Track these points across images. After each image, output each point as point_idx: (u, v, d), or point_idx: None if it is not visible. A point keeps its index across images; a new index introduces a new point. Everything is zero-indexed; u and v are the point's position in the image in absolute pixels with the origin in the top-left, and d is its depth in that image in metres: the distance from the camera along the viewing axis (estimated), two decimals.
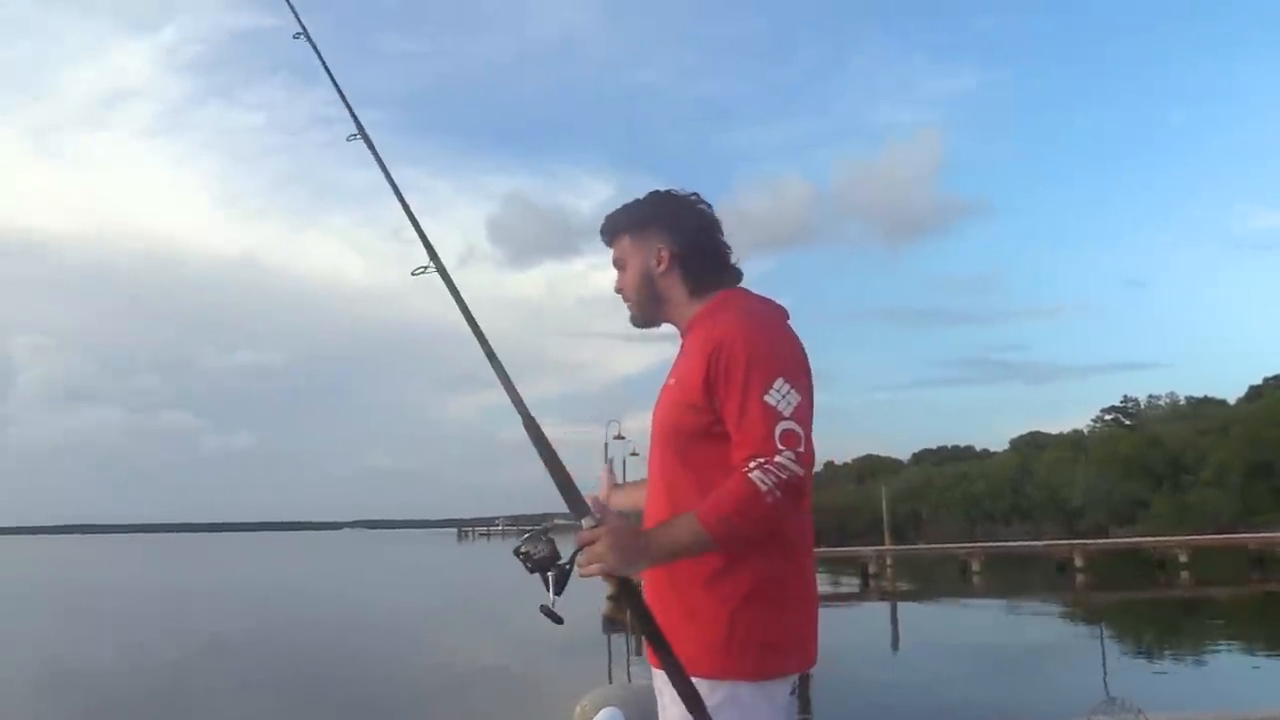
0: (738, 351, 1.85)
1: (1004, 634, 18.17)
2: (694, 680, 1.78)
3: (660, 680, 1.93)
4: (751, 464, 1.73)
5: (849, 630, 20.36)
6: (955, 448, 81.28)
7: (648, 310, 2.10)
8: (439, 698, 12.27)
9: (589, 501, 1.80)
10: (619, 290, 2.13)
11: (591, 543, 1.72)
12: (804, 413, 1.81)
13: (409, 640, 18.54)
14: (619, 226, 2.12)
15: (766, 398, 1.79)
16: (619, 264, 2.12)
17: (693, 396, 1.90)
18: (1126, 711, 4.83)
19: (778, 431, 1.76)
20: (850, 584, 30.07)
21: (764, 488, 1.70)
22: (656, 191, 2.12)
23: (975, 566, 30.16)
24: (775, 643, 1.86)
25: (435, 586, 37.60)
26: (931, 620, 21.76)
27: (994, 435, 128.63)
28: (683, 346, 2.06)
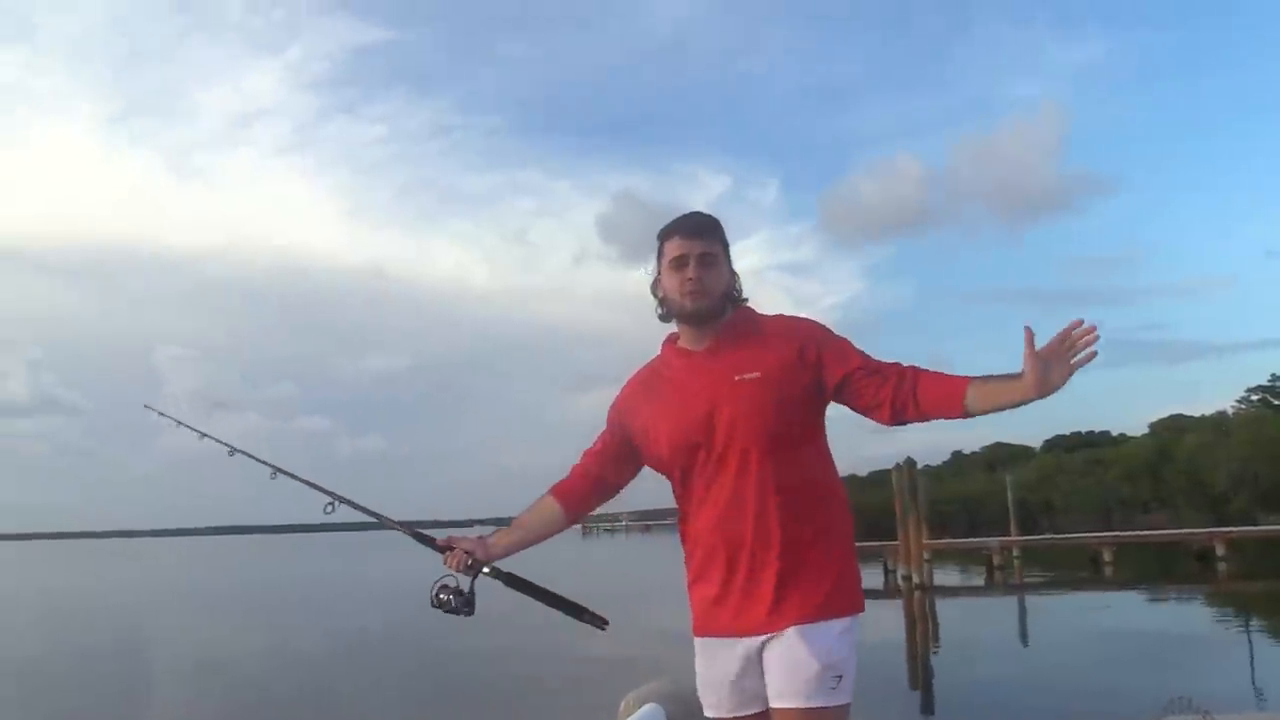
0: (823, 332, 2.23)
1: (1138, 626, 17.41)
2: (828, 622, 2.06)
3: (793, 637, 2.05)
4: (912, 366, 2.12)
5: (975, 623, 19.92)
6: (1090, 433, 77.76)
7: (719, 309, 2.25)
8: (498, 683, 12.56)
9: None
10: (699, 279, 2.20)
11: None
12: None
13: (514, 632, 18.93)
14: (721, 234, 2.29)
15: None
16: (712, 259, 2.23)
17: (787, 363, 2.15)
18: (1194, 712, 4.66)
19: None
20: (977, 576, 29.32)
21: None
22: None
23: (1107, 556, 28.89)
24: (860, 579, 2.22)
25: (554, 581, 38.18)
26: (1061, 612, 21.02)
27: (1132, 420, 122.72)
28: (719, 346, 2.25)
